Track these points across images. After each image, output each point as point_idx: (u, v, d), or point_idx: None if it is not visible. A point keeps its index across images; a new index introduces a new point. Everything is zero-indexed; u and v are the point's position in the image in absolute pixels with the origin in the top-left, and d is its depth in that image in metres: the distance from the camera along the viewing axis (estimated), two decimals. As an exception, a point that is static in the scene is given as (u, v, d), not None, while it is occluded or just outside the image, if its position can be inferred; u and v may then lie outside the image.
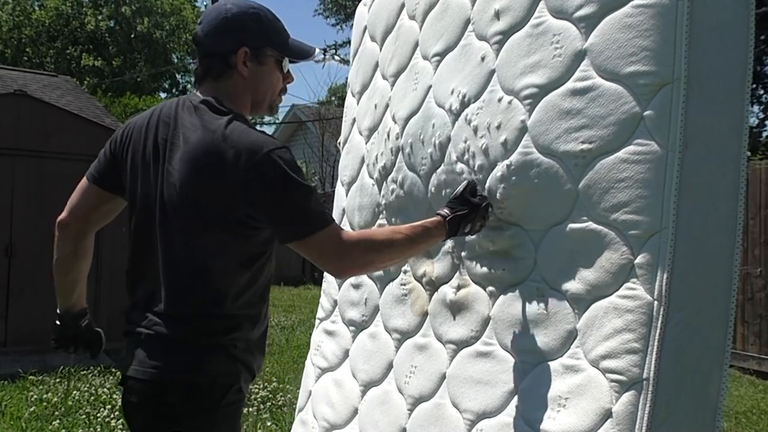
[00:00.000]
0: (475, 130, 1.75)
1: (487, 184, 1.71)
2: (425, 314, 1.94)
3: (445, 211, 1.64)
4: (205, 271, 1.50)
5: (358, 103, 2.40)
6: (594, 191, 1.46)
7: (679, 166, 1.36)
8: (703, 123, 1.39)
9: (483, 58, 1.78)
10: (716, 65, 1.41)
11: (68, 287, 1.77)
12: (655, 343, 1.33)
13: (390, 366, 2.03)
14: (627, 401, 1.35)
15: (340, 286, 2.33)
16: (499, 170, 1.67)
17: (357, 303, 2.22)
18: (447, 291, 1.86)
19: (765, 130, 12.75)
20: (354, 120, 2.40)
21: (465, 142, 1.79)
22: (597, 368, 1.42)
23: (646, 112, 1.40)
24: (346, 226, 2.34)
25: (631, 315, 1.37)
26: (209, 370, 1.48)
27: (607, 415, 1.37)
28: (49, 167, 5.99)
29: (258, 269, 1.54)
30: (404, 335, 2.00)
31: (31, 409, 4.34)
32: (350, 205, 2.32)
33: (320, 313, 2.41)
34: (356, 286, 2.24)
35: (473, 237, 1.79)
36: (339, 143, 2.53)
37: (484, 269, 1.74)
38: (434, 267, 1.93)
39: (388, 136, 2.12)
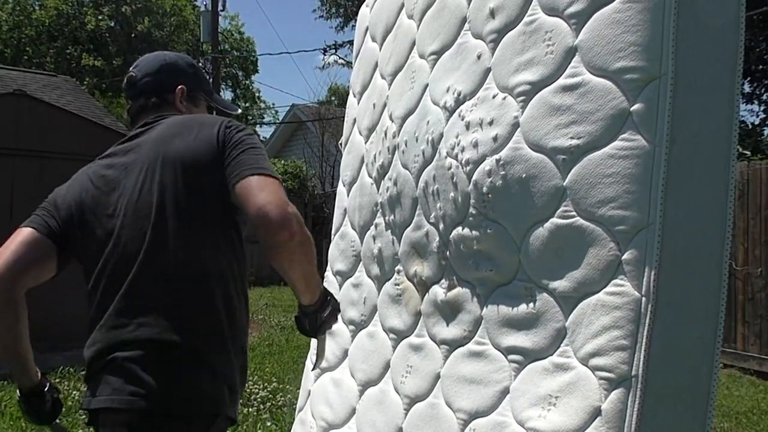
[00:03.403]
0: (468, 126, 1.75)
1: (474, 177, 1.70)
2: (419, 314, 1.94)
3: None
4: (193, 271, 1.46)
5: (358, 103, 2.41)
6: (581, 186, 1.45)
7: (666, 161, 1.35)
8: (691, 118, 1.38)
9: (479, 56, 1.78)
10: (705, 60, 1.41)
11: (19, 353, 1.54)
12: (644, 340, 1.32)
13: (387, 366, 2.03)
14: (616, 399, 1.34)
15: (340, 286, 2.33)
16: (487, 164, 1.66)
17: (356, 302, 2.22)
18: (438, 291, 1.86)
19: (766, 130, 12.74)
20: (354, 120, 2.41)
21: (456, 137, 1.79)
22: (586, 366, 1.41)
23: (634, 108, 1.39)
24: (347, 226, 2.34)
25: (619, 312, 1.36)
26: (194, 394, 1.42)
27: (597, 413, 1.36)
28: (49, 167, 5.99)
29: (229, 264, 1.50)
30: (400, 335, 2.00)
31: (31, 409, 4.34)
32: (351, 205, 2.33)
33: None
34: (356, 286, 2.24)
35: (457, 237, 1.78)
36: (340, 143, 2.53)
37: (472, 270, 1.74)
38: (424, 267, 1.93)
39: (386, 134, 2.13)
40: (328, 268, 2.43)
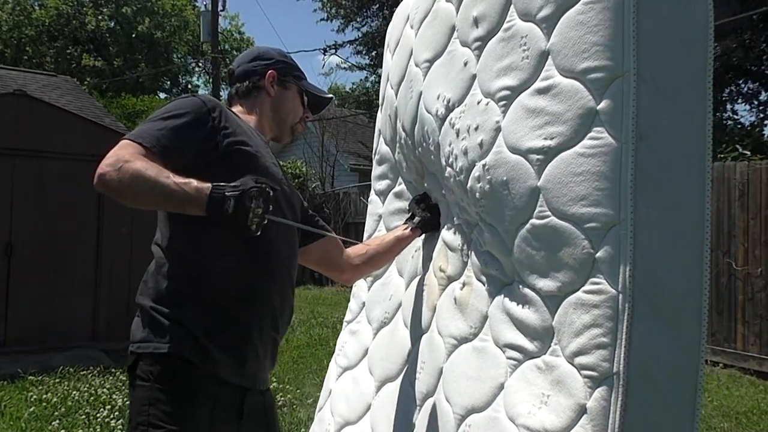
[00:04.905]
0: (458, 133, 1.79)
1: (468, 184, 1.73)
2: (434, 309, 1.98)
3: (221, 184, 1.44)
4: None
5: (380, 114, 2.47)
6: (553, 186, 1.47)
7: (634, 157, 1.36)
8: (659, 115, 1.39)
9: (465, 63, 1.81)
10: (670, 57, 1.41)
11: None
12: (623, 337, 1.33)
13: (406, 362, 2.07)
14: (599, 396, 1.34)
15: (369, 287, 2.38)
16: (476, 170, 1.69)
17: (383, 300, 2.27)
18: (455, 287, 1.89)
19: (765, 130, 12.74)
20: (380, 131, 2.47)
21: (450, 145, 1.82)
22: (572, 364, 1.42)
23: (600, 106, 1.40)
24: (382, 231, 2.38)
25: (598, 310, 1.37)
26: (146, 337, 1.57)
27: (583, 410, 1.37)
28: (49, 167, 5.99)
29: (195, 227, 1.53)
30: (419, 331, 2.04)
31: (31, 409, 4.34)
32: (388, 210, 2.38)
33: (348, 316, 2.47)
34: (384, 285, 2.30)
35: (473, 238, 1.80)
36: (373, 154, 2.60)
37: (483, 267, 1.77)
38: (449, 264, 1.96)
39: (405, 145, 2.18)
40: None
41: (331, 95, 2.04)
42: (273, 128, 1.88)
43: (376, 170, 2.48)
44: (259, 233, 1.42)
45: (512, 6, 1.64)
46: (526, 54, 1.58)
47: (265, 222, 1.42)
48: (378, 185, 2.46)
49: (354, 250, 2.06)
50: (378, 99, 2.58)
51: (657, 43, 1.40)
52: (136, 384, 1.55)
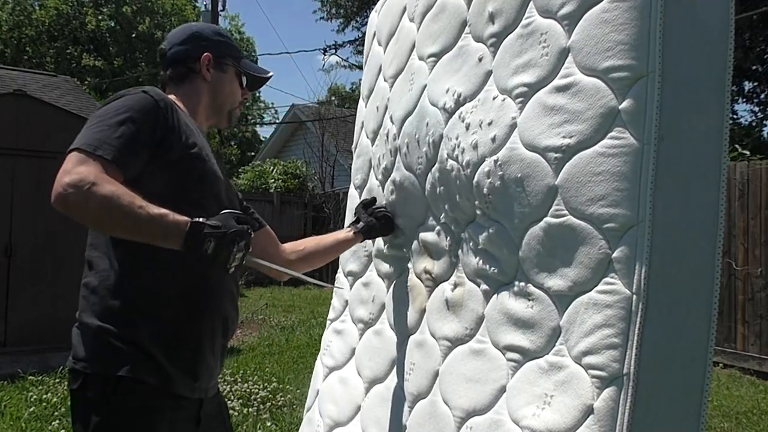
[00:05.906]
0: (468, 127, 1.77)
1: (475, 179, 1.72)
2: (424, 311, 1.96)
3: (200, 219, 1.36)
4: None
5: (366, 107, 2.44)
6: (572, 185, 1.46)
7: (655, 158, 1.36)
8: (680, 116, 1.39)
9: (480, 59, 1.79)
10: (694, 58, 1.41)
11: None
12: (635, 338, 1.33)
13: (393, 363, 2.06)
14: (608, 397, 1.34)
15: (351, 286, 2.35)
16: (486, 165, 1.68)
17: (366, 301, 2.25)
18: (445, 288, 1.88)
19: (765, 130, 12.74)
20: (362, 124, 2.44)
21: (456, 138, 1.80)
22: (579, 364, 1.41)
23: (622, 106, 1.40)
24: None
25: (611, 310, 1.37)
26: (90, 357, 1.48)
27: (589, 411, 1.36)
28: (49, 167, 5.97)
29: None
30: (405, 332, 2.02)
31: (31, 409, 4.35)
32: None
33: (331, 314, 2.45)
34: (366, 285, 2.27)
35: (467, 236, 1.79)
36: (353, 148, 2.55)
37: (477, 267, 1.76)
38: (434, 265, 1.94)
39: (387, 137, 2.15)
40: (340, 269, 2.45)
41: (271, 73, 1.90)
42: (210, 116, 1.79)
43: (355, 163, 2.45)
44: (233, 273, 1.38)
45: (531, 2, 1.64)
46: (546, 51, 1.57)
47: (243, 263, 1.38)
48: (355, 179, 2.43)
49: (291, 246, 2.00)
50: None
51: (681, 43, 1.40)
52: (88, 406, 1.47)
